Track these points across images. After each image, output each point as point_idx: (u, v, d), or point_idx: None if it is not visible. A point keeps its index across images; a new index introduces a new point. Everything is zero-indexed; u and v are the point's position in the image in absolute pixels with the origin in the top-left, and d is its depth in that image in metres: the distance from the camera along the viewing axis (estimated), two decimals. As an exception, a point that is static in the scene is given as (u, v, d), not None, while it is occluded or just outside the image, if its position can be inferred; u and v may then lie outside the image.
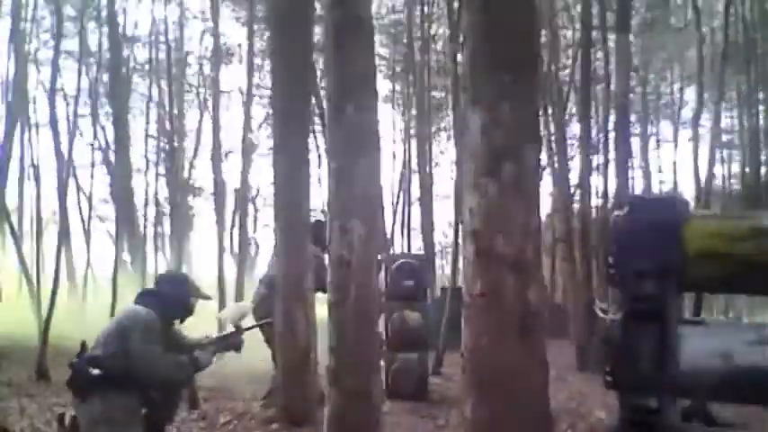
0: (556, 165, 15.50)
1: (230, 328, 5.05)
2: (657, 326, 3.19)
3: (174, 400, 4.92)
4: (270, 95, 11.08)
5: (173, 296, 4.65)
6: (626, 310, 3.32)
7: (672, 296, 3.23)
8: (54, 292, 9.15)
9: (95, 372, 4.45)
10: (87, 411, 4.55)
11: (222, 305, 12.85)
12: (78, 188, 19.80)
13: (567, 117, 16.34)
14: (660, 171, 22.62)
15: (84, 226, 19.41)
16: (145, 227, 19.33)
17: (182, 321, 4.89)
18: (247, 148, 17.12)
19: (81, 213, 19.73)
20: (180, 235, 18.78)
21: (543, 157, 16.67)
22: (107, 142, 19.81)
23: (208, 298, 5.30)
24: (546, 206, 16.77)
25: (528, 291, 3.44)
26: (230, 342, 4.93)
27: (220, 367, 10.48)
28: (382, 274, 7.57)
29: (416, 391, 6.89)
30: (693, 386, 3.18)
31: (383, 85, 22.17)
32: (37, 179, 19.17)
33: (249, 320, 6.26)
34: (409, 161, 19.03)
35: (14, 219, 18.25)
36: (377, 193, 2.57)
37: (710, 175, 14.34)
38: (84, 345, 4.68)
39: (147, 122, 20.49)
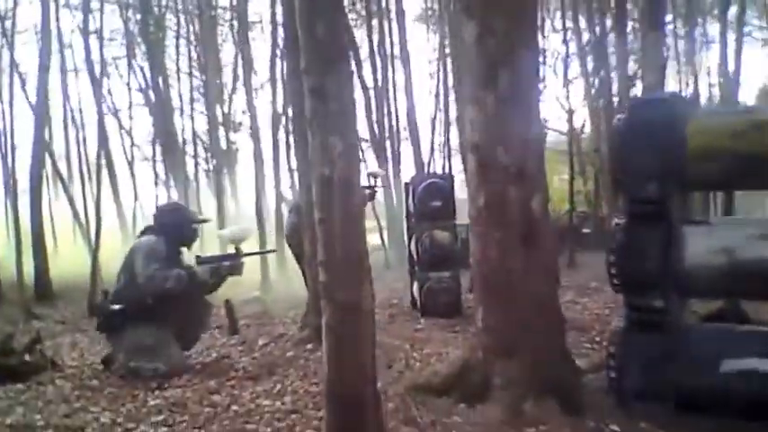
0: (594, 77, 15.10)
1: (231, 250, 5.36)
2: (661, 226, 3.18)
3: (196, 320, 5.27)
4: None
5: (173, 224, 5.07)
6: (629, 212, 3.32)
7: (674, 196, 3.20)
8: (98, 231, 9.51)
9: (117, 307, 4.81)
10: (121, 345, 4.87)
11: (262, 237, 13.14)
12: (120, 128, 20.15)
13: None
14: (708, 74, 21.63)
15: (129, 166, 19.87)
16: (185, 163, 19.69)
17: (189, 247, 5.27)
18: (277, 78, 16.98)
19: (125, 154, 20.16)
20: (220, 170, 18.98)
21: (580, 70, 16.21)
22: (146, 82, 19.97)
23: (205, 221, 6.07)
24: (586, 118, 16.39)
25: (531, 200, 3.45)
26: (229, 265, 5.17)
27: (265, 295, 10.86)
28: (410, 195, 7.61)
29: (449, 309, 6.94)
30: (698, 284, 3.18)
31: (416, 3, 21.65)
32: (80, 123, 19.63)
33: (250, 245, 6.55)
34: (445, 80, 18.63)
35: (63, 164, 18.83)
36: (352, 109, 2.59)
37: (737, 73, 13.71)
38: (105, 292, 5.17)
39: (178, 58, 20.55)
